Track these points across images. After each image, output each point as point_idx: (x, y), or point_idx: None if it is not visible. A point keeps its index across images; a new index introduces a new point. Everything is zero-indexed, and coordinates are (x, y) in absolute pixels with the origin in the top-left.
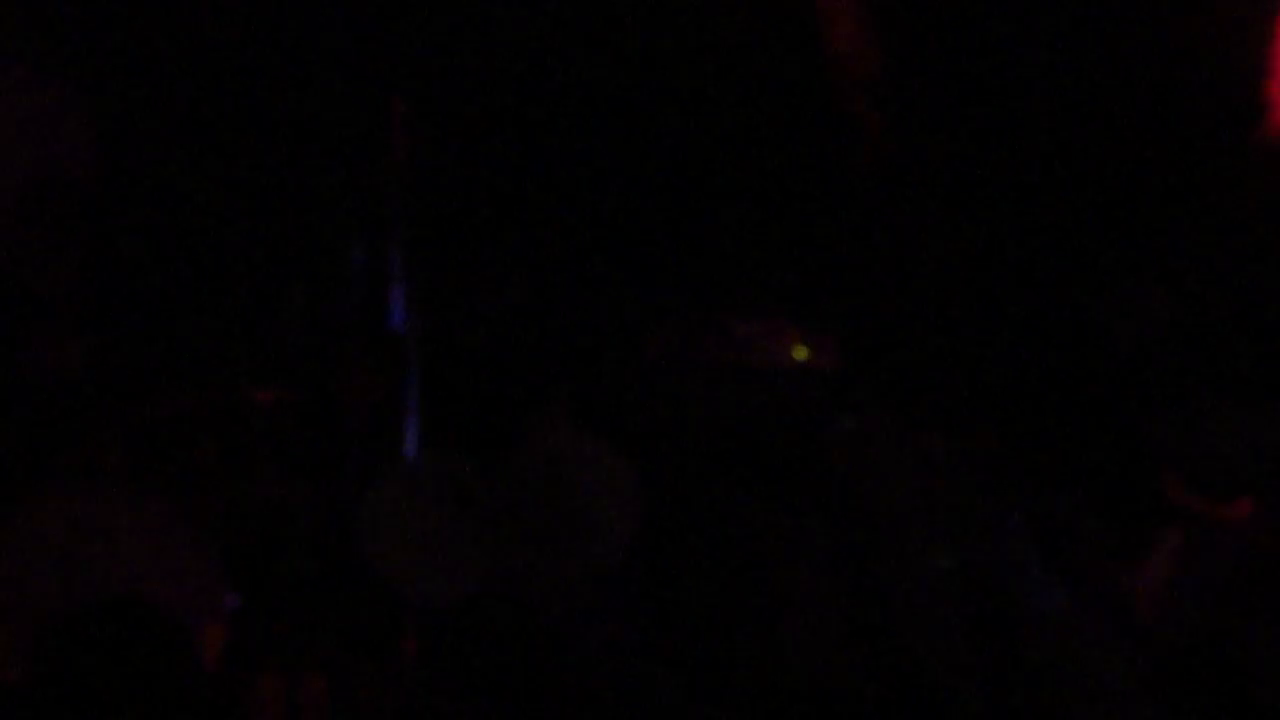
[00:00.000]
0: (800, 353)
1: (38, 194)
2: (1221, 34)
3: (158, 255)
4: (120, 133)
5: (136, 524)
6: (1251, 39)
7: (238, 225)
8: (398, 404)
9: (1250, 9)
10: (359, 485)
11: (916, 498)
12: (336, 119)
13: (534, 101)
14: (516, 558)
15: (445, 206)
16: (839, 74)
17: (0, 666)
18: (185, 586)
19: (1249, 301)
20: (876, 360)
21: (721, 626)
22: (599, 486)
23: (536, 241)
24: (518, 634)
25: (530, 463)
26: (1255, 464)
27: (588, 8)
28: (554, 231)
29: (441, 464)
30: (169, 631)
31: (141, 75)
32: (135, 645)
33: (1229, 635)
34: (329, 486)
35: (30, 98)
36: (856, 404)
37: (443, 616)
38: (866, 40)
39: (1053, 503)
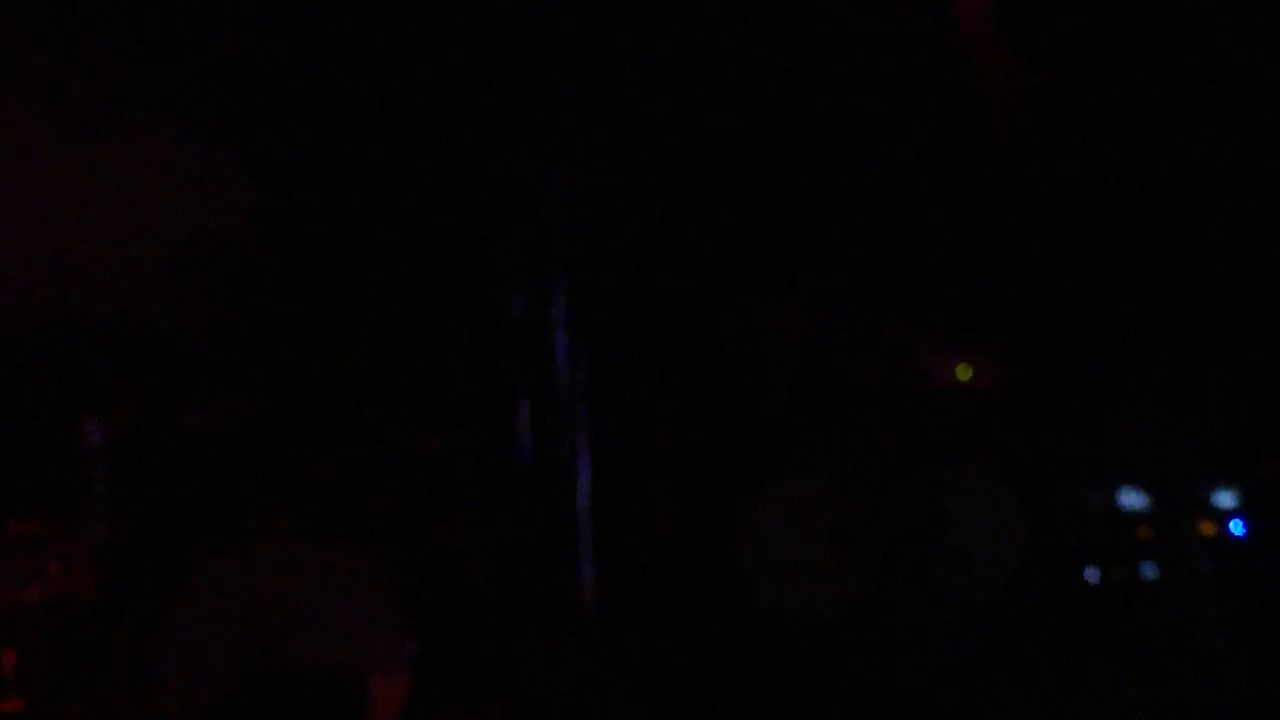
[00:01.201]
0: (965, 372)
1: (196, 253)
2: None
3: (321, 306)
4: (278, 192)
5: (318, 580)
6: None
7: (402, 271)
8: (567, 448)
9: None
10: (530, 527)
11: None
12: (497, 170)
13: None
14: (892, 581)
15: (605, 255)
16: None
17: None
18: (368, 639)
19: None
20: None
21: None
22: (983, 521)
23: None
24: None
25: (915, 491)
26: None
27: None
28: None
29: (821, 486)
30: (347, 699)
31: (297, 134)
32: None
33: None
34: (506, 529)
35: (185, 157)
36: (1021, 421)
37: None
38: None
39: None
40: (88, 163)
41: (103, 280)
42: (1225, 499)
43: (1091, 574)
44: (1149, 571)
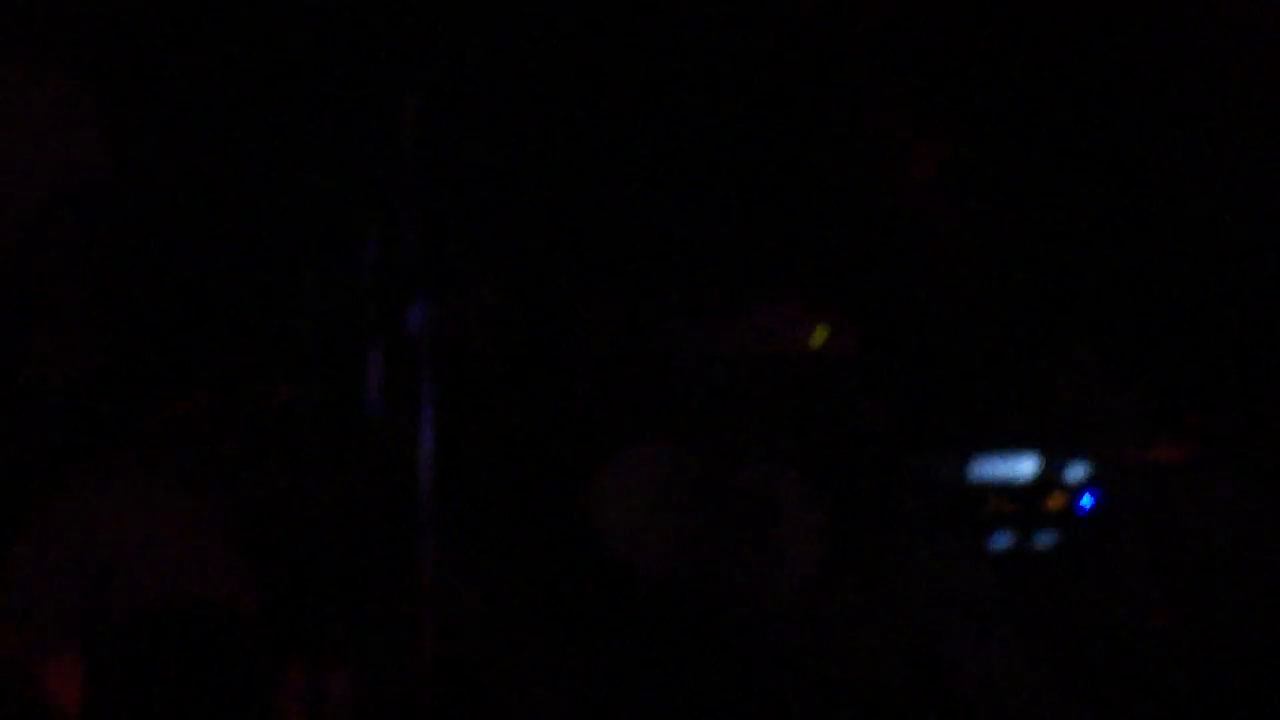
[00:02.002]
0: (819, 338)
1: (48, 196)
2: None
3: (170, 255)
4: (132, 133)
5: (162, 524)
6: None
7: (252, 222)
8: (413, 402)
9: None
10: (375, 482)
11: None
12: (349, 112)
13: (543, 96)
14: (723, 552)
15: (458, 201)
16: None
17: (33, 674)
18: (215, 585)
19: None
20: (897, 347)
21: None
22: (793, 523)
23: (546, 237)
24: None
25: (755, 479)
26: None
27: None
28: (564, 225)
29: (681, 455)
30: (212, 632)
31: (152, 73)
32: (186, 648)
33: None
34: (348, 481)
35: (39, 99)
36: (878, 391)
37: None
38: None
39: None
40: None
41: None
42: (1076, 472)
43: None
44: (1001, 542)
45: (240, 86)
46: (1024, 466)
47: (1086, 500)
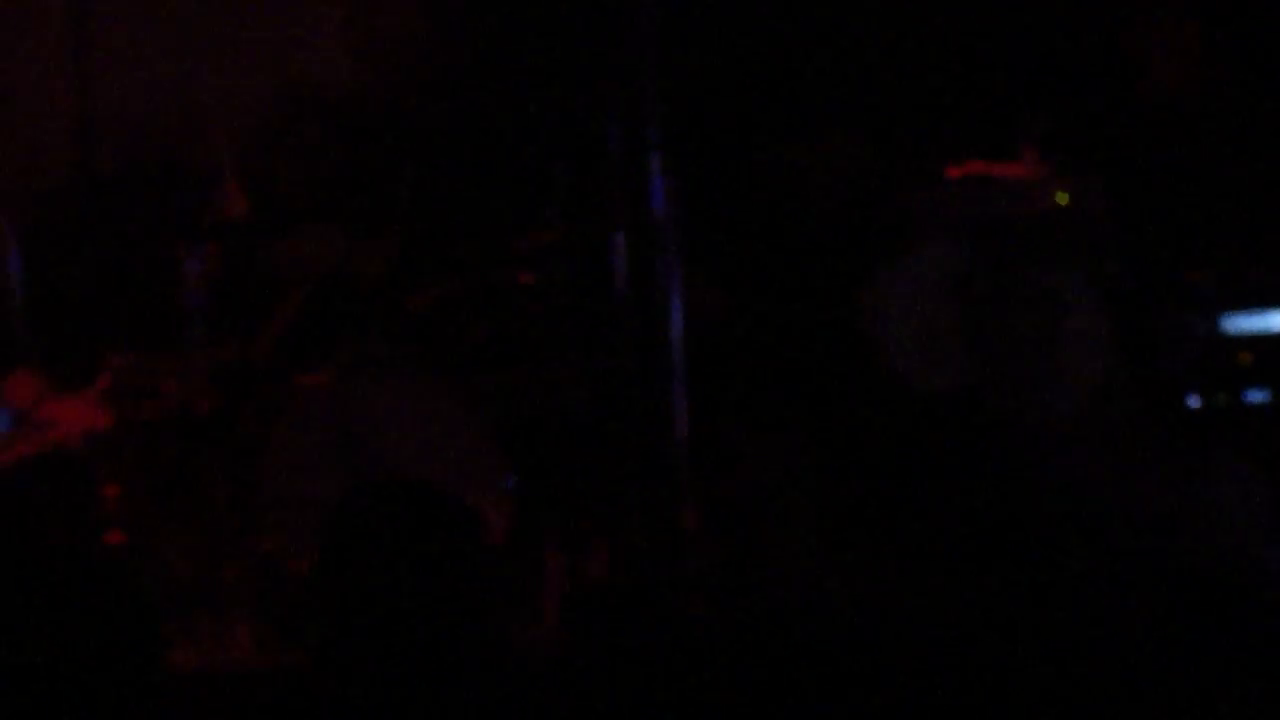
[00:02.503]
0: (1063, 198)
1: (296, 104)
2: None
3: (416, 143)
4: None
5: (414, 408)
6: None
7: (498, 114)
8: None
9: None
10: (626, 359)
11: None
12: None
13: None
14: (1005, 363)
15: (699, 94)
16: None
17: (290, 555)
18: (466, 467)
19: None
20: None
21: None
22: (1080, 333)
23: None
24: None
25: (1029, 285)
26: None
27: None
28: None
29: (948, 258)
30: (453, 512)
31: None
32: (421, 527)
33: None
34: (596, 364)
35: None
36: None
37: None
38: None
39: None
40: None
41: (205, 121)
42: None
43: (1193, 400)
44: (1255, 397)
45: None
46: (1276, 320)
47: None
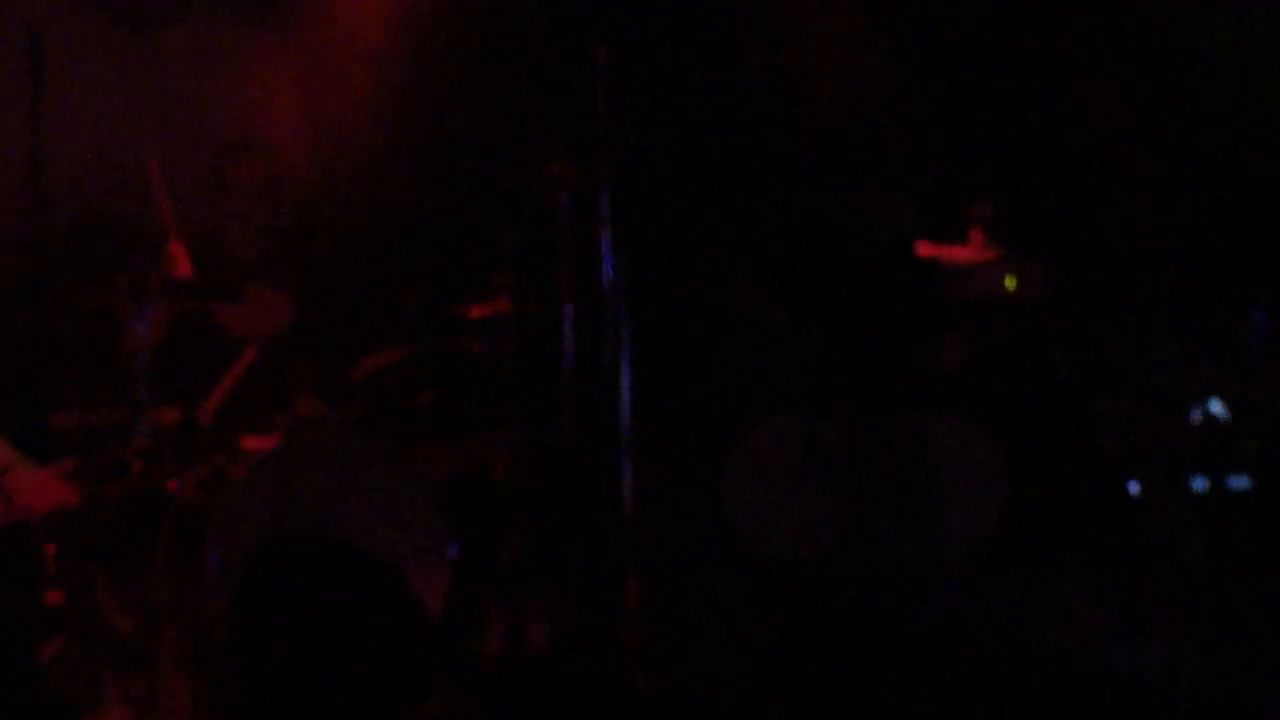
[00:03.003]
0: (1010, 283)
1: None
2: None
3: (370, 210)
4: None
5: (357, 474)
6: None
7: (451, 185)
8: (610, 359)
9: None
10: (574, 434)
11: None
12: (544, 73)
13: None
14: (875, 524)
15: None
16: None
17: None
18: (407, 534)
19: None
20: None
21: None
22: (968, 469)
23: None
24: (860, 598)
25: (899, 432)
26: None
27: None
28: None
29: (805, 423)
30: (377, 575)
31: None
32: (339, 587)
33: None
34: (544, 435)
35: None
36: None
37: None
38: None
39: None
40: (140, 60)
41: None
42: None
43: (1133, 486)
44: (1199, 485)
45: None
46: (1218, 409)
47: None
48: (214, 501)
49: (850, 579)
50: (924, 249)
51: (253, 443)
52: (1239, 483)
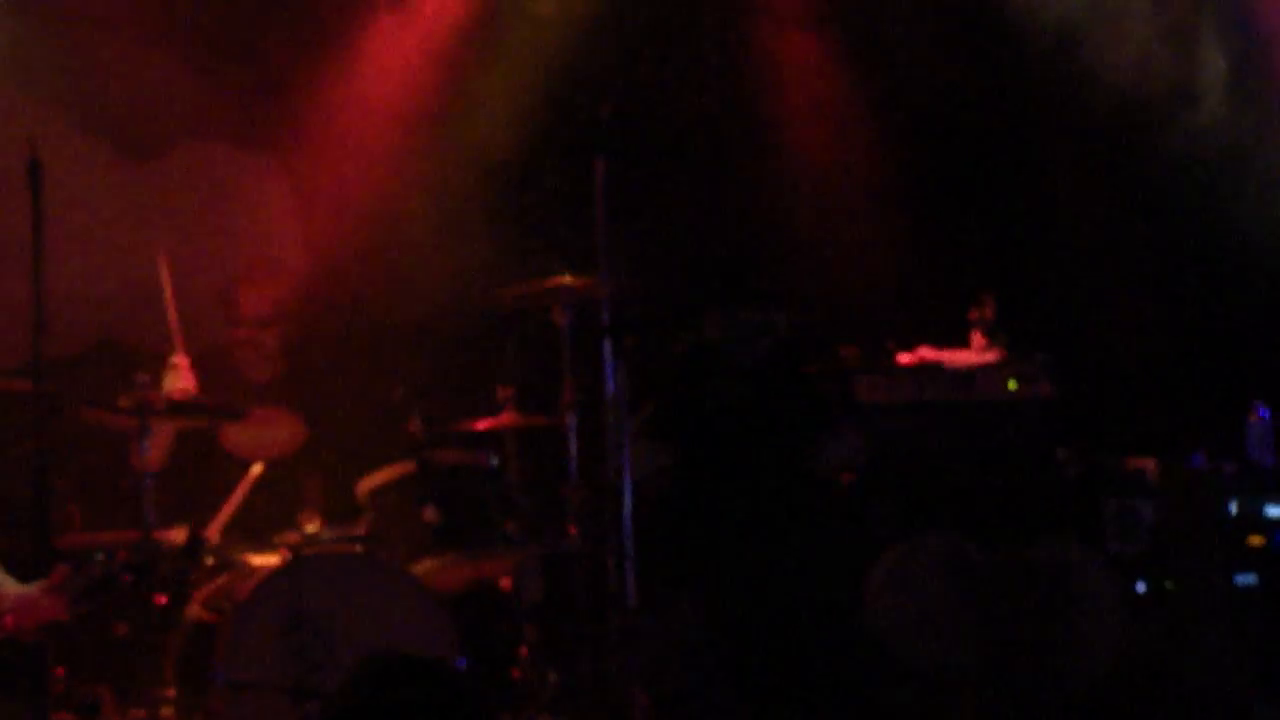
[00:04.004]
0: (1012, 384)
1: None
2: None
3: (365, 324)
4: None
5: (364, 590)
6: None
7: (451, 294)
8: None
9: None
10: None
11: None
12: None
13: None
14: (1012, 643)
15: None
16: None
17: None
18: (416, 648)
19: None
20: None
21: None
22: (1091, 605)
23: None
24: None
25: (1038, 562)
26: None
27: None
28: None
29: (950, 544)
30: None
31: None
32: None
33: None
34: (550, 547)
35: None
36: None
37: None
38: None
39: None
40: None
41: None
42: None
43: (1140, 585)
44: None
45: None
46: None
47: None
48: (222, 620)
49: (981, 690)
50: (926, 353)
51: (260, 561)
52: (1245, 580)
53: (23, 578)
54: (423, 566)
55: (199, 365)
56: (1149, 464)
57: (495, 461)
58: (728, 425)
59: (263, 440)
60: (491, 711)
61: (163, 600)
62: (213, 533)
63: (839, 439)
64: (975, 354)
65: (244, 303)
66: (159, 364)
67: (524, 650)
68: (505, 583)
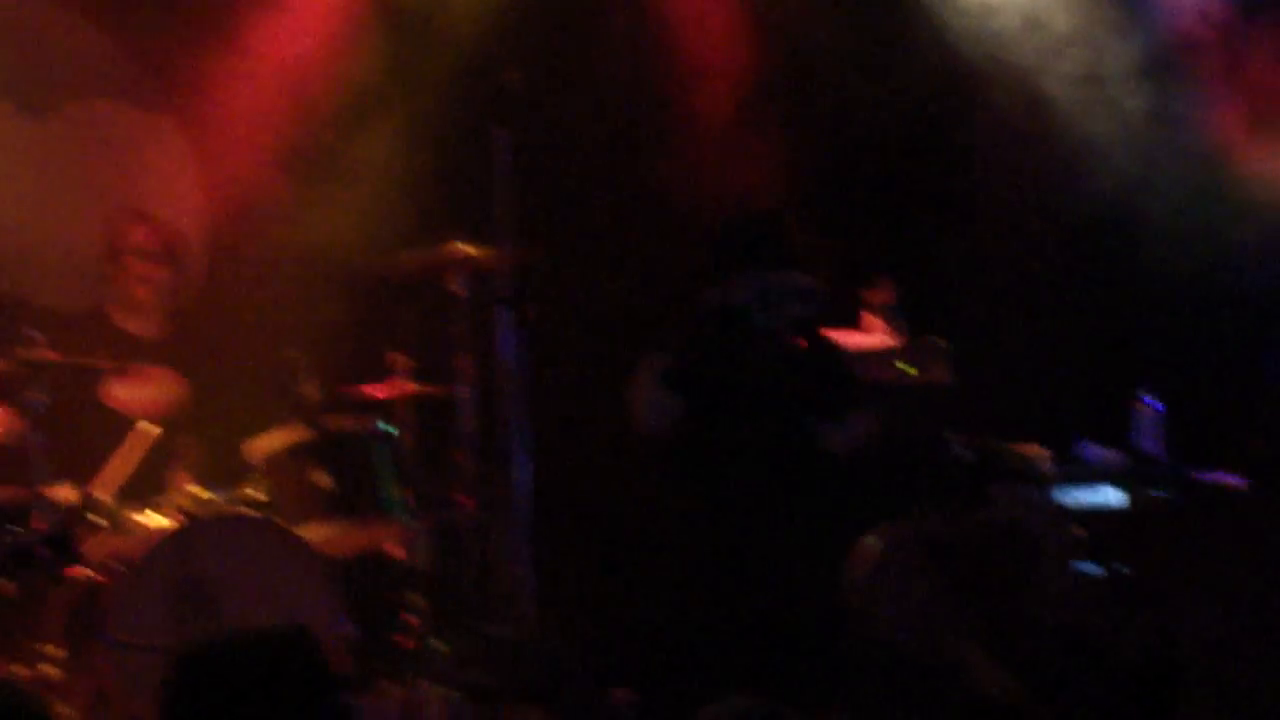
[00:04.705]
0: (907, 369)
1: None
2: None
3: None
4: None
5: (255, 554)
6: None
7: (348, 257)
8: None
9: None
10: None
11: None
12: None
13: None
14: (984, 611)
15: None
16: None
17: (127, 697)
18: (304, 614)
19: None
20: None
21: None
22: (1047, 537)
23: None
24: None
25: (993, 519)
26: None
27: None
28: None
29: (919, 524)
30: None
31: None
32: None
33: None
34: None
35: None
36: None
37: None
38: None
39: None
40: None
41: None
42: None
43: None
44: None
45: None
46: (1110, 495)
47: None
48: (113, 581)
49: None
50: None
51: (151, 522)
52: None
53: None
54: (314, 532)
55: (87, 322)
56: (1037, 451)
57: (390, 429)
58: (743, 388)
59: (143, 398)
60: (337, 678)
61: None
62: (101, 490)
63: (854, 418)
64: (871, 337)
65: (133, 232)
66: (52, 319)
67: (413, 619)
68: (396, 550)
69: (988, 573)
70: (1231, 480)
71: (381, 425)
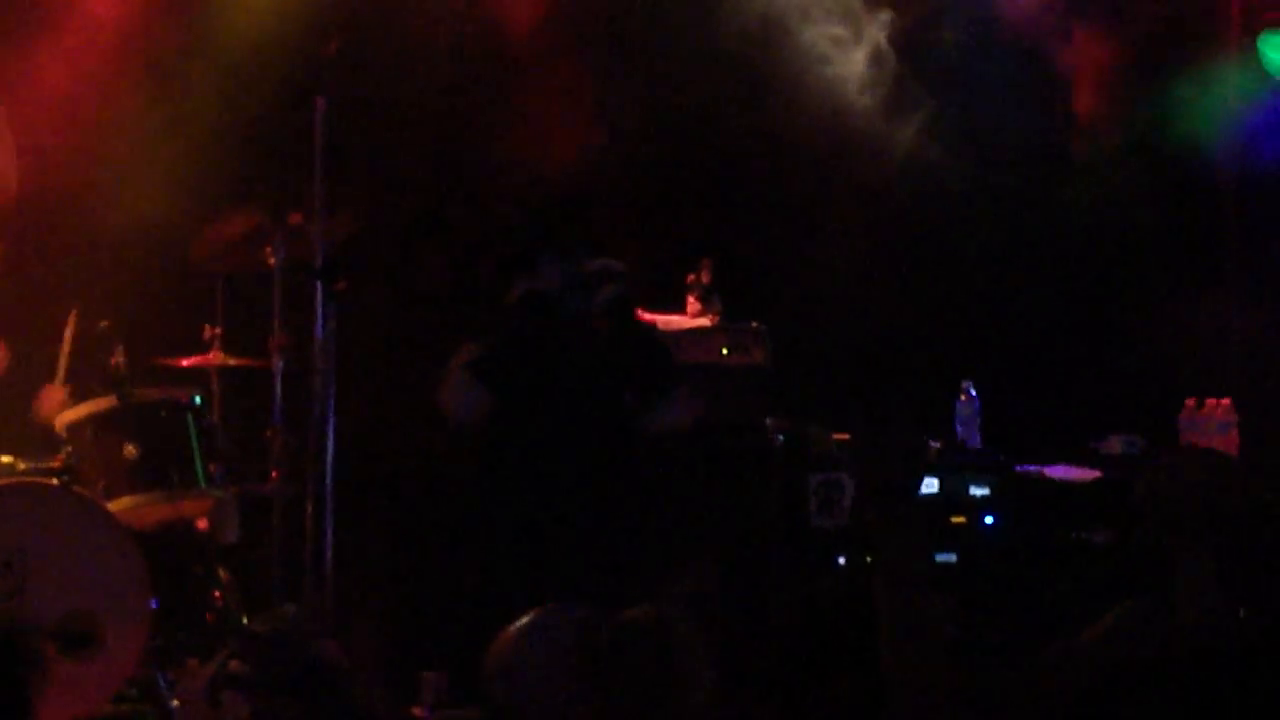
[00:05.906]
0: (725, 350)
1: None
2: None
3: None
4: None
5: (59, 528)
6: None
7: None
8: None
9: None
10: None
11: None
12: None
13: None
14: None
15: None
16: None
17: None
18: (108, 588)
19: None
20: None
21: None
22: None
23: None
24: None
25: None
26: None
27: None
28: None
29: (570, 615)
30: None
31: None
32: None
33: None
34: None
35: None
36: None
37: None
38: None
39: None
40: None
41: None
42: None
43: (840, 559)
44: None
45: None
46: (928, 483)
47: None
48: None
49: None
50: (641, 316)
51: None
52: (946, 558)
53: None
54: (119, 504)
55: None
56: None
57: (198, 400)
58: (555, 376)
59: None
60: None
61: None
62: None
63: (675, 398)
64: (689, 318)
65: None
66: None
67: (217, 594)
68: (202, 523)
69: (633, 680)
70: (1050, 471)
71: (190, 396)
